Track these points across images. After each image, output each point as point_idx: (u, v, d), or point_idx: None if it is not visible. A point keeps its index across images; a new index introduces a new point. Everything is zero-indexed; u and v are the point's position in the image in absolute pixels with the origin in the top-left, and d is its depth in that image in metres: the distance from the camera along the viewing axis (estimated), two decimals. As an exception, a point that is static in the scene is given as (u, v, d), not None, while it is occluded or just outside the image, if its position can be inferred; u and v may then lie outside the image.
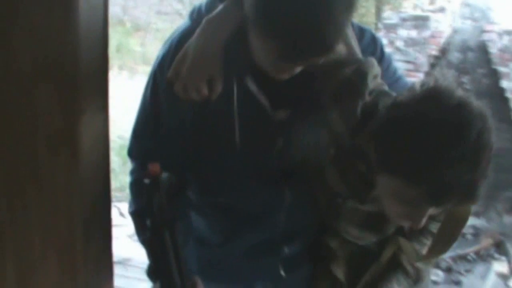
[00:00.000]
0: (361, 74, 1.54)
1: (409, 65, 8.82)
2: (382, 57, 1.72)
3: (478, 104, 1.41)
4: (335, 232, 1.74)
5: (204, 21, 1.50)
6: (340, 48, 1.49)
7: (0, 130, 1.39)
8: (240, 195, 1.68)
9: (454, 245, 5.81)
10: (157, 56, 1.60)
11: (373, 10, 9.57)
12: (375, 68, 1.57)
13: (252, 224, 1.73)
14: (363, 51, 1.64)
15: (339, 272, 1.76)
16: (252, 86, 1.52)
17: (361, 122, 1.52)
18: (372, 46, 1.72)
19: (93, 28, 1.37)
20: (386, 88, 1.60)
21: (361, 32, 1.70)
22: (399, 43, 8.97)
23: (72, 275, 1.46)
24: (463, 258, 7.30)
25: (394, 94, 1.56)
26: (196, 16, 1.59)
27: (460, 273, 6.85)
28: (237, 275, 1.82)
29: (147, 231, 1.47)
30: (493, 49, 8.49)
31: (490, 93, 8.60)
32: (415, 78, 8.63)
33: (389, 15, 9.31)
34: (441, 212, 1.56)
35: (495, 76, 8.44)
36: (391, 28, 9.28)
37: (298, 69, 1.46)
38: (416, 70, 8.74)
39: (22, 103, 1.40)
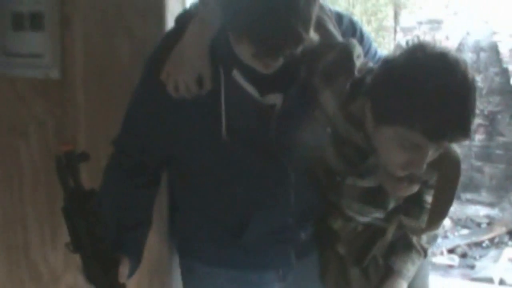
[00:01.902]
0: (347, 54, 1.57)
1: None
2: (362, 39, 1.73)
3: (454, 51, 1.47)
4: (338, 214, 1.75)
5: (190, 23, 1.53)
6: (315, 35, 1.48)
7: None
8: (246, 182, 1.66)
9: (470, 233, 5.88)
10: (147, 58, 1.63)
11: (391, 14, 9.60)
12: (358, 48, 1.60)
13: (265, 210, 1.69)
14: (344, 35, 1.65)
15: (344, 251, 1.78)
16: (239, 78, 1.53)
17: (352, 97, 1.55)
18: (351, 29, 1.72)
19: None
20: (371, 65, 1.62)
21: (339, 17, 1.70)
22: (416, 45, 9.06)
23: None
24: (478, 245, 7.39)
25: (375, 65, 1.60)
26: (181, 19, 1.62)
27: (474, 258, 6.95)
28: (251, 263, 1.76)
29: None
30: (504, 49, 8.53)
31: (502, 90, 8.64)
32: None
33: (406, 19, 9.35)
34: (433, 176, 1.62)
35: (506, 74, 8.47)
36: (408, 30, 9.35)
37: (280, 62, 1.46)
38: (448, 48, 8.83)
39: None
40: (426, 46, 1.43)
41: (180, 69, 1.50)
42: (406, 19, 9.37)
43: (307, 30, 1.38)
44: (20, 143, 2.08)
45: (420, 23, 9.21)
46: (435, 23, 9.08)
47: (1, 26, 1.99)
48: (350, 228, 1.76)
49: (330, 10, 1.67)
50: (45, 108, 2.01)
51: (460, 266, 6.72)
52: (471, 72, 1.41)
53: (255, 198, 1.67)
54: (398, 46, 1.47)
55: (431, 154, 1.46)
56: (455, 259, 6.83)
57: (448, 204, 1.66)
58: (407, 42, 1.50)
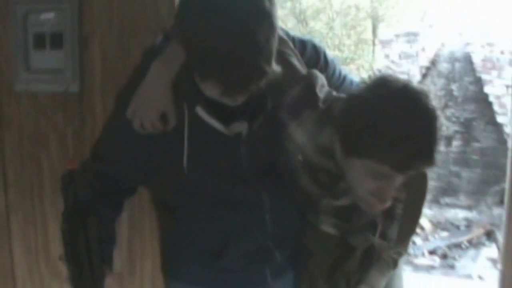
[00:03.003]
0: (309, 88, 1.58)
1: (403, 76, 9.03)
2: (326, 64, 1.73)
3: (419, 85, 1.50)
4: (313, 232, 1.75)
5: (152, 64, 1.53)
6: (278, 67, 1.44)
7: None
8: (220, 209, 1.64)
9: (449, 235, 6.03)
10: (117, 92, 1.66)
11: (370, 27, 9.74)
12: (320, 79, 1.61)
13: (241, 234, 1.68)
14: (308, 62, 1.66)
15: (315, 268, 1.77)
16: (203, 114, 1.52)
17: (318, 127, 1.57)
18: (315, 56, 1.71)
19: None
20: (334, 93, 1.62)
21: (302, 44, 1.70)
22: (394, 57, 9.17)
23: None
24: (457, 246, 7.51)
25: (343, 95, 1.60)
26: (149, 54, 1.61)
27: (454, 258, 7.07)
28: (230, 282, 1.75)
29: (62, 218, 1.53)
30: (477, 59, 8.71)
31: (476, 98, 8.77)
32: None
33: (384, 32, 9.47)
34: (403, 192, 1.61)
35: (479, 83, 8.60)
36: (386, 43, 9.45)
37: (245, 95, 1.46)
38: (409, 79, 8.95)
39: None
40: (388, 81, 1.45)
41: (144, 107, 1.51)
42: (384, 32, 9.50)
43: (269, 64, 1.38)
44: (41, 151, 2.22)
45: (398, 35, 9.32)
46: (412, 36, 9.19)
47: (24, 45, 2.13)
48: (322, 245, 1.76)
49: (293, 38, 1.68)
50: (64, 120, 2.15)
51: (440, 266, 6.84)
52: (432, 103, 1.43)
53: (231, 223, 1.66)
54: (362, 81, 1.58)
55: (400, 180, 1.50)
56: (436, 260, 6.96)
57: (416, 219, 1.72)
58: (369, 77, 1.55)
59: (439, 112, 1.44)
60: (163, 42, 1.61)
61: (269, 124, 1.58)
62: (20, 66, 2.16)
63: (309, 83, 1.60)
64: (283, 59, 1.54)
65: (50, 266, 2.34)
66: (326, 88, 1.63)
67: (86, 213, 1.52)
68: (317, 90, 1.60)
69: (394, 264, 1.76)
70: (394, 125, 1.39)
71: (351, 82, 1.80)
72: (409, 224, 1.71)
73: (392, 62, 9.13)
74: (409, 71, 8.85)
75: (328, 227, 1.72)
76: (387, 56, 9.18)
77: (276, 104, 1.58)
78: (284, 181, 1.67)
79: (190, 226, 1.71)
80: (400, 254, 1.77)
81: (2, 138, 2.28)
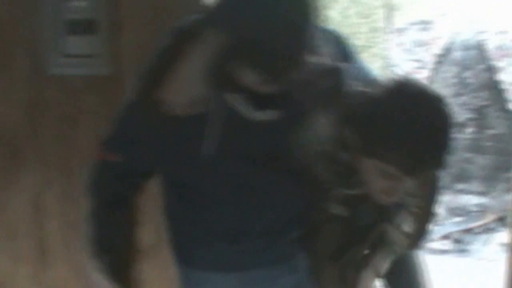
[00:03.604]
0: (337, 82, 1.60)
1: (417, 64, 9.05)
2: (348, 54, 1.74)
3: (433, 89, 1.53)
4: (322, 216, 1.73)
5: (189, 48, 1.51)
6: (310, 58, 1.48)
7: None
8: (240, 193, 1.64)
9: (462, 220, 6.06)
10: (143, 70, 1.63)
11: (384, 16, 9.74)
12: (347, 72, 1.62)
13: (260, 217, 1.69)
14: (332, 54, 1.66)
15: (323, 246, 1.76)
16: (233, 99, 1.53)
17: (342, 121, 1.58)
18: (339, 47, 1.73)
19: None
20: (359, 88, 1.63)
21: (326, 35, 1.68)
22: (408, 45, 9.22)
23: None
24: (470, 231, 7.56)
25: (364, 89, 1.61)
26: (177, 33, 1.61)
27: (467, 243, 7.13)
28: (255, 262, 1.74)
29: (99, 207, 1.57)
30: (490, 47, 8.70)
31: (489, 86, 8.78)
32: (422, 75, 8.90)
33: (398, 20, 9.48)
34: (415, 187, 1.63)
35: (492, 70, 8.61)
36: (400, 31, 9.49)
37: (282, 84, 1.49)
38: (423, 67, 8.94)
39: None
40: (403, 86, 1.50)
41: (177, 91, 1.51)
42: (398, 21, 9.51)
43: (306, 54, 1.44)
44: (75, 132, 2.32)
45: (412, 24, 9.36)
46: (426, 24, 9.21)
47: (58, 32, 2.23)
48: (331, 226, 1.75)
49: (323, 30, 1.65)
50: (97, 102, 2.25)
51: (454, 251, 6.91)
52: (446, 109, 1.47)
53: (247, 207, 1.66)
54: (380, 84, 1.60)
55: (410, 182, 1.54)
56: (449, 245, 7.04)
57: (428, 216, 1.74)
58: (387, 80, 1.58)
59: (452, 118, 1.49)
60: (192, 24, 1.60)
61: (293, 112, 1.59)
62: (55, 51, 2.25)
63: (337, 77, 1.61)
64: (313, 49, 1.55)
65: (82, 240, 2.43)
66: (352, 82, 1.65)
67: (121, 202, 1.57)
68: (344, 84, 1.62)
69: (400, 249, 1.78)
70: (403, 128, 1.43)
71: (368, 71, 1.81)
72: (422, 220, 1.74)
73: (407, 50, 9.16)
74: (423, 59, 8.87)
75: (338, 210, 1.73)
76: (401, 44, 9.20)
77: (301, 93, 1.59)
78: (297, 167, 1.66)
79: (207, 211, 1.70)
80: (411, 246, 1.81)
81: (37, 119, 2.37)
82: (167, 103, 1.52)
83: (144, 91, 1.59)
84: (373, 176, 1.55)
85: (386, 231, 1.75)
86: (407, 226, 1.75)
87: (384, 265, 1.79)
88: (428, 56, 8.92)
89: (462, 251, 6.87)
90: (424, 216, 1.73)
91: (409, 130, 1.43)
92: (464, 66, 8.83)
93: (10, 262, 2.60)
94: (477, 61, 8.84)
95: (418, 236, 1.76)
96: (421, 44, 9.15)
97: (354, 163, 1.59)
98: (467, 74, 8.80)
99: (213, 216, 1.69)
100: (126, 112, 1.68)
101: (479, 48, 8.85)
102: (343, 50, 1.74)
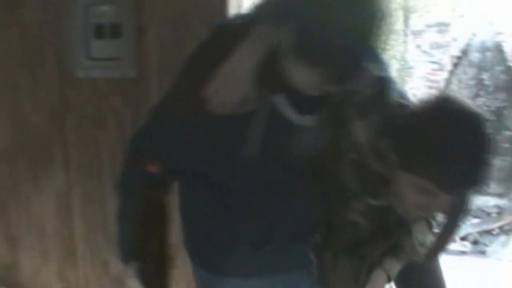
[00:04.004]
0: (383, 92, 1.58)
1: (434, 65, 9.05)
2: (384, 69, 1.67)
3: (475, 108, 1.51)
4: (341, 220, 1.73)
5: (240, 45, 1.46)
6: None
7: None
8: (270, 196, 1.61)
9: (481, 222, 6.04)
10: (185, 64, 1.59)
11: (401, 18, 9.72)
12: (392, 85, 1.61)
13: (289, 217, 1.66)
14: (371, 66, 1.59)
15: (338, 241, 1.75)
16: (281, 101, 1.49)
17: (381, 132, 1.56)
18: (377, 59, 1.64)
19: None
20: (401, 100, 1.61)
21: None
22: (425, 47, 9.19)
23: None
24: (488, 232, 7.56)
25: (407, 103, 1.60)
26: (220, 30, 1.58)
27: (485, 244, 7.13)
28: (272, 267, 1.70)
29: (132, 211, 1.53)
30: (508, 49, 8.67)
31: (507, 87, 8.76)
32: (439, 77, 8.89)
33: (416, 23, 9.47)
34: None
35: (510, 72, 8.57)
36: (417, 33, 9.49)
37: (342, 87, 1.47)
38: (440, 69, 8.95)
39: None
40: (447, 103, 1.48)
41: (226, 89, 1.47)
42: (415, 23, 9.50)
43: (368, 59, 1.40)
44: (101, 133, 2.36)
45: (429, 26, 9.33)
46: (443, 26, 9.18)
47: (85, 35, 2.27)
48: (349, 227, 1.74)
49: None
50: (123, 103, 2.29)
51: (472, 252, 6.91)
52: (487, 128, 1.45)
53: (276, 210, 1.63)
54: (423, 99, 1.55)
55: (446, 200, 1.52)
56: (467, 246, 7.02)
57: (453, 231, 1.67)
58: (431, 96, 1.55)
59: (492, 138, 1.47)
60: (238, 21, 1.57)
61: (331, 118, 1.57)
62: (82, 54, 2.30)
63: (384, 87, 1.59)
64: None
65: (108, 239, 2.46)
66: (395, 95, 1.62)
67: (161, 211, 1.55)
68: (389, 96, 1.59)
69: (416, 258, 1.75)
70: (444, 145, 1.42)
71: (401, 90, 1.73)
72: (445, 235, 1.69)
73: (424, 52, 9.15)
74: (440, 61, 8.86)
75: (358, 218, 1.72)
76: (418, 46, 9.18)
77: (343, 100, 1.55)
78: (327, 172, 1.66)
79: (234, 213, 1.65)
80: (429, 258, 1.76)
81: (64, 120, 2.42)
82: (211, 102, 1.48)
83: (187, 90, 1.55)
84: (407, 190, 1.53)
85: (404, 240, 1.74)
86: (426, 238, 1.73)
87: (397, 268, 1.77)
88: (446, 58, 8.92)
89: (480, 252, 6.87)
90: (447, 232, 1.69)
91: (450, 147, 1.42)
92: (482, 68, 8.83)
93: (39, 260, 2.67)
94: (494, 62, 8.84)
95: (437, 250, 1.72)
96: (438, 46, 9.12)
97: (387, 175, 1.57)
98: (485, 76, 8.81)
99: (239, 219, 1.66)
100: (164, 112, 1.63)
101: (497, 50, 8.85)
102: (382, 60, 1.68)
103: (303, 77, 1.40)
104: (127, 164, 1.70)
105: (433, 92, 1.80)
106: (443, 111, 1.47)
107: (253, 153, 1.52)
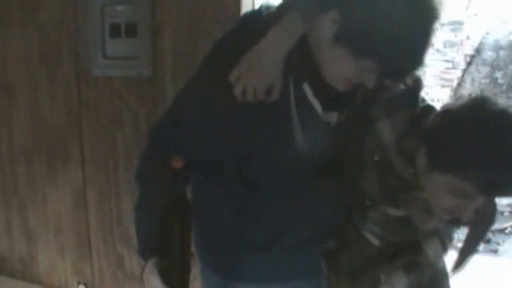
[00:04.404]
0: (415, 90, 1.53)
1: (447, 64, 9.03)
2: None
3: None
4: (354, 234, 1.70)
5: (270, 30, 1.36)
6: None
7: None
8: (287, 195, 1.52)
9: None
10: (210, 52, 1.50)
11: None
12: (422, 83, 1.56)
13: (299, 223, 1.58)
14: None
15: (347, 261, 1.72)
16: (308, 92, 1.42)
17: (408, 132, 1.50)
18: None
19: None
20: (428, 102, 1.57)
21: None
22: (439, 45, 9.19)
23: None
24: (501, 231, 7.52)
25: (435, 107, 1.54)
26: (248, 19, 1.50)
27: (497, 243, 7.09)
28: (282, 273, 1.63)
29: (161, 211, 1.45)
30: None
31: None
32: (453, 75, 8.88)
33: (429, 21, 9.44)
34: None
35: None
36: (431, 32, 9.47)
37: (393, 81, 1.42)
38: (454, 68, 8.92)
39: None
40: (487, 102, 1.42)
41: (252, 74, 1.37)
42: (429, 21, 9.49)
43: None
44: (116, 130, 2.41)
45: (442, 24, 9.33)
46: (457, 24, 9.16)
47: (101, 35, 2.32)
48: (361, 246, 1.71)
49: None
50: (138, 101, 2.33)
51: (484, 250, 6.88)
52: None
53: (292, 211, 1.55)
54: (459, 98, 1.37)
55: (478, 203, 1.44)
56: (480, 245, 7.03)
57: (478, 242, 1.66)
58: (469, 95, 1.48)
59: None
60: (266, 11, 1.48)
61: (354, 116, 1.50)
62: (98, 53, 2.35)
63: (415, 85, 1.54)
64: None
65: (123, 234, 2.54)
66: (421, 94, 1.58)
67: (184, 206, 1.48)
68: (419, 95, 1.55)
69: (427, 273, 1.69)
70: (489, 146, 1.35)
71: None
72: (470, 246, 1.65)
73: (437, 50, 9.14)
74: (454, 59, 8.85)
75: (371, 236, 1.70)
76: (432, 45, 9.19)
77: (367, 98, 1.49)
78: (342, 176, 1.59)
79: (246, 213, 1.58)
80: (457, 266, 1.68)
81: (80, 117, 2.48)
82: (236, 88, 1.38)
83: (211, 76, 1.45)
84: (442, 194, 1.45)
85: (415, 259, 1.68)
86: (438, 255, 1.68)
87: (404, 284, 1.69)
88: (459, 56, 8.90)
89: (491, 251, 6.86)
90: (477, 238, 1.66)
91: (493, 148, 1.35)
92: (496, 66, 8.81)
93: (55, 254, 2.73)
94: (509, 61, 8.81)
95: (465, 258, 1.66)
96: (452, 44, 9.10)
97: (414, 179, 1.50)
98: (499, 74, 8.78)
99: (251, 219, 1.58)
100: (186, 100, 1.53)
101: (511, 49, 8.82)
102: None
103: (344, 66, 1.34)
104: (149, 157, 1.61)
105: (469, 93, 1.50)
106: (484, 112, 1.40)
107: (294, 148, 1.43)
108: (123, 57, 2.32)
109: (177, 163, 1.42)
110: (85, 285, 2.69)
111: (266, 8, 1.49)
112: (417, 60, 1.30)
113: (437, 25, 1.30)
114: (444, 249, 1.68)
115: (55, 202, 2.66)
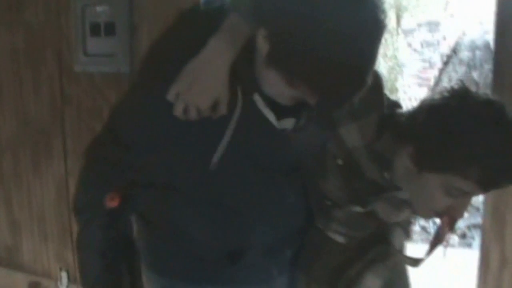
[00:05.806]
0: (377, 90, 1.41)
1: (425, 64, 9.14)
2: None
3: (496, 98, 1.36)
4: (319, 237, 1.62)
5: (211, 39, 1.19)
6: None
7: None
8: (246, 198, 1.41)
9: (468, 216, 6.05)
10: (147, 55, 1.36)
11: (393, 18, 9.85)
12: (382, 80, 1.44)
13: (260, 232, 1.47)
14: None
15: (319, 268, 1.65)
16: (259, 103, 1.24)
17: (379, 133, 1.41)
18: None
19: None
20: (392, 99, 1.48)
21: None
22: (416, 45, 9.29)
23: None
24: (476, 226, 7.67)
25: (400, 103, 1.48)
26: (189, 17, 1.32)
27: (472, 238, 7.24)
28: (237, 279, 1.52)
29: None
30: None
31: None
32: (430, 75, 9.01)
33: (407, 21, 9.56)
34: None
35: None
36: (408, 32, 9.56)
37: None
38: (431, 67, 9.03)
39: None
40: (470, 94, 1.32)
41: (194, 91, 1.19)
42: (406, 22, 9.60)
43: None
44: (97, 124, 2.44)
45: (420, 25, 9.44)
46: (434, 25, 9.26)
47: (82, 33, 2.44)
48: (328, 249, 1.64)
49: None
50: (117, 96, 2.30)
51: (459, 245, 7.04)
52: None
53: (251, 220, 1.44)
54: (440, 92, 1.31)
55: (470, 200, 1.38)
56: (455, 239, 7.17)
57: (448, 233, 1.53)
58: (448, 88, 1.36)
59: None
60: (209, 7, 1.29)
61: (313, 122, 1.33)
62: (79, 50, 2.47)
63: (377, 85, 1.40)
64: None
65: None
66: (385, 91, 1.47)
67: (129, 246, 1.38)
68: (384, 93, 1.44)
69: (395, 267, 1.65)
70: (482, 139, 1.27)
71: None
72: (439, 238, 1.54)
73: (415, 50, 9.25)
74: (431, 59, 8.97)
75: (335, 235, 1.62)
76: (409, 45, 9.27)
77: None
78: (309, 183, 1.52)
79: (203, 221, 1.44)
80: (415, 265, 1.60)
81: (62, 112, 2.59)
82: (176, 106, 1.20)
83: (149, 90, 1.25)
84: (434, 194, 1.37)
85: (385, 251, 1.63)
86: (403, 244, 1.64)
87: (379, 284, 1.65)
88: (436, 56, 9.02)
89: (466, 245, 7.00)
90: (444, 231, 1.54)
91: (490, 140, 1.27)
92: (472, 66, 8.92)
93: (39, 242, 2.83)
94: (484, 61, 8.94)
95: (433, 249, 1.56)
96: (429, 44, 9.23)
97: (385, 181, 1.44)
98: (475, 74, 8.91)
99: (208, 228, 1.46)
100: (122, 117, 1.34)
101: (486, 48, 8.95)
102: None
103: (279, 90, 1.17)
104: (88, 184, 1.40)
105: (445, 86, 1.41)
106: (471, 105, 1.31)
107: (227, 157, 1.29)
108: (102, 54, 2.44)
109: (112, 202, 1.26)
110: (67, 271, 2.78)
111: (209, 3, 1.31)
112: (361, 84, 1.08)
113: (383, 39, 1.10)
114: (407, 236, 1.66)
115: (39, 193, 2.76)
